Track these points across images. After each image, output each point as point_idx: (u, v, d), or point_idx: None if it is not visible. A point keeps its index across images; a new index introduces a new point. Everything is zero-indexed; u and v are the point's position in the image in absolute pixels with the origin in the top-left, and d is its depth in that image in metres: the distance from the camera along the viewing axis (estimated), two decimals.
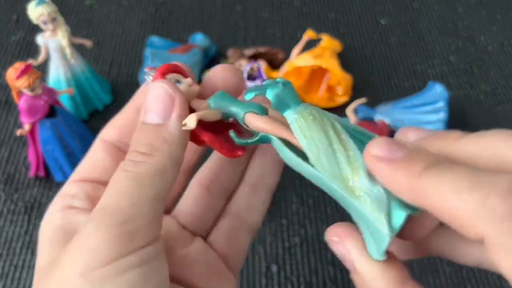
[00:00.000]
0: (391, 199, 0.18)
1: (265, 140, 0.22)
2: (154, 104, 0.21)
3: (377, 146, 0.17)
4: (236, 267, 0.26)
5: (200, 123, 0.21)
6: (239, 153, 0.23)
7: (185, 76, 0.23)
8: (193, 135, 0.22)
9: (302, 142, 0.21)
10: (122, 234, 0.19)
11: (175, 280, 0.23)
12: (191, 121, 0.21)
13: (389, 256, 0.19)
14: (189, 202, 0.26)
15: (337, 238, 0.20)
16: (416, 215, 0.18)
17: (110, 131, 0.24)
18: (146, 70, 0.23)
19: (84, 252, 0.18)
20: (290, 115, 0.21)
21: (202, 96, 0.24)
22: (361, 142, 0.20)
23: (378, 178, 0.18)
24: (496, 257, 0.14)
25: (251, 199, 0.26)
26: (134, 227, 0.19)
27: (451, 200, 0.15)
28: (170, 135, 0.21)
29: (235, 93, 0.24)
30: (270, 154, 0.26)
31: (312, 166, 0.20)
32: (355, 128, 0.21)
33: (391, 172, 0.17)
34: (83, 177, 0.23)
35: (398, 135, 0.21)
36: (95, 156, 0.23)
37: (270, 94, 0.21)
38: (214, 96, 0.23)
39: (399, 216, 0.18)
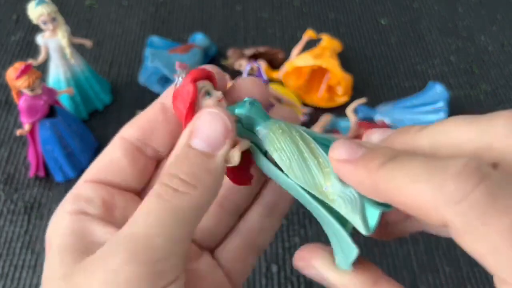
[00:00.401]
0: (364, 199, 0.18)
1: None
2: (208, 132, 0.20)
3: (337, 149, 0.18)
4: (238, 284, 0.25)
5: None
6: (248, 183, 0.23)
7: (215, 86, 0.23)
8: None
9: (274, 155, 0.21)
10: (154, 272, 0.18)
11: None
12: (235, 157, 0.20)
13: (359, 261, 0.19)
14: None
15: (304, 262, 0.20)
16: (390, 211, 0.18)
17: (130, 130, 0.23)
18: (177, 68, 0.22)
19: (111, 285, 0.17)
20: (260, 131, 0.22)
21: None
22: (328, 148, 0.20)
23: (343, 179, 0.18)
24: (460, 239, 0.14)
25: (264, 222, 0.25)
26: (166, 266, 0.18)
27: (410, 191, 0.15)
28: (217, 168, 0.19)
29: (261, 101, 0.24)
30: None
31: (288, 176, 0.21)
32: (321, 136, 0.22)
33: (353, 172, 0.17)
34: (98, 178, 0.22)
35: (364, 138, 0.21)
36: (112, 155, 0.22)
37: (238, 114, 0.22)
38: (244, 117, 0.22)
39: (373, 215, 0.18)
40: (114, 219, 0.21)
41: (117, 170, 0.22)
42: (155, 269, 0.18)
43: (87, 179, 0.22)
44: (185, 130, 0.20)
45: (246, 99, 0.22)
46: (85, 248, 0.19)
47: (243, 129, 0.22)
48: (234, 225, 0.26)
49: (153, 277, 0.17)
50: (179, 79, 0.22)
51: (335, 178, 0.19)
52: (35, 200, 0.57)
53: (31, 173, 0.58)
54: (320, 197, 0.20)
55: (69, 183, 0.58)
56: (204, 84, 0.22)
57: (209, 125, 0.20)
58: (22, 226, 0.55)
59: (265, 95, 0.24)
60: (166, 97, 0.23)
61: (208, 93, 0.22)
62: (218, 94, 0.22)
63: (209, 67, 0.23)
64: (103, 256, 0.18)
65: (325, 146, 0.21)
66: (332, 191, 0.19)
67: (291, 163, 0.20)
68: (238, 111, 0.22)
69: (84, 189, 0.22)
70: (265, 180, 0.26)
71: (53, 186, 0.58)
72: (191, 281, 0.23)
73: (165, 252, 0.18)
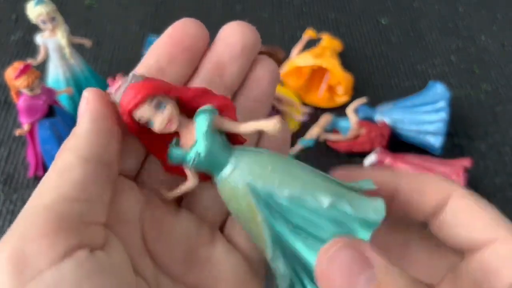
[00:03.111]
0: None
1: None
2: (79, 109, 0.20)
3: (334, 264, 0.16)
4: (260, 270, 0.23)
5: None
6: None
7: (167, 93, 0.20)
8: (176, 169, 0.22)
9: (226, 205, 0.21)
10: (14, 254, 0.16)
11: None
12: (170, 196, 0.22)
13: None
14: (201, 190, 0.23)
15: None
16: None
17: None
18: (110, 89, 0.20)
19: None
20: (214, 178, 0.21)
21: (216, 54, 0.22)
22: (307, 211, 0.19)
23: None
24: None
25: None
26: (26, 244, 0.16)
27: None
28: (77, 132, 0.19)
29: (253, 49, 0.23)
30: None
31: None
32: (295, 200, 0.19)
33: None
34: None
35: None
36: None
37: (188, 160, 0.21)
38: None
39: None
40: None
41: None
42: (14, 251, 0.16)
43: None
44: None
45: (195, 140, 0.20)
46: None
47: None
48: None
49: (15, 263, 0.16)
50: (121, 89, 0.20)
51: (269, 252, 0.19)
52: None
53: (30, 173, 0.58)
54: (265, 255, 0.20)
55: None
56: (141, 115, 0.20)
57: (80, 106, 0.20)
58: None
59: (259, 39, 0.23)
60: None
61: (148, 122, 0.20)
62: (159, 122, 0.20)
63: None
64: None
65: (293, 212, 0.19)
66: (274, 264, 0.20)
67: (239, 220, 0.21)
68: (188, 156, 0.20)
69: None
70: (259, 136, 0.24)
71: None
72: (205, 271, 0.21)
73: (22, 227, 0.17)
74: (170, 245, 0.21)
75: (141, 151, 0.22)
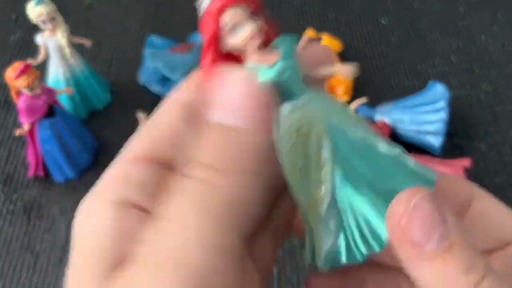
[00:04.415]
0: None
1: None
2: (236, 101, 0.15)
3: (417, 213, 0.15)
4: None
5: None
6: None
7: (255, 11, 0.18)
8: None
9: (279, 149, 0.17)
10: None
11: None
12: None
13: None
14: None
15: None
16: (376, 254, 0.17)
17: (187, 93, 0.17)
18: None
19: None
20: (292, 104, 0.18)
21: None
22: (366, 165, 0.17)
23: (397, 253, 0.16)
24: None
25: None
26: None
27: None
28: (257, 145, 0.15)
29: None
30: None
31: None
32: (364, 141, 0.18)
33: (416, 262, 0.15)
34: (154, 154, 0.16)
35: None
36: (171, 123, 0.16)
37: (264, 79, 0.18)
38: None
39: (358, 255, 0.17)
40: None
41: (178, 144, 0.16)
42: None
43: (138, 156, 0.16)
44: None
45: (279, 60, 0.18)
46: (124, 256, 0.14)
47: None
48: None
49: None
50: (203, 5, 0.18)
51: (325, 207, 0.17)
52: (34, 200, 0.57)
53: (31, 173, 0.58)
54: (306, 214, 0.18)
55: (69, 183, 0.58)
56: (231, 17, 0.18)
57: (237, 93, 0.16)
58: (21, 226, 0.55)
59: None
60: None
61: (235, 28, 0.18)
62: (248, 30, 0.18)
63: None
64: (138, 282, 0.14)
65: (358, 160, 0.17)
66: (314, 217, 0.18)
67: (292, 169, 0.18)
68: (265, 75, 0.17)
69: (135, 169, 0.15)
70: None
71: (52, 186, 0.58)
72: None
73: (203, 268, 0.14)
74: None
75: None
